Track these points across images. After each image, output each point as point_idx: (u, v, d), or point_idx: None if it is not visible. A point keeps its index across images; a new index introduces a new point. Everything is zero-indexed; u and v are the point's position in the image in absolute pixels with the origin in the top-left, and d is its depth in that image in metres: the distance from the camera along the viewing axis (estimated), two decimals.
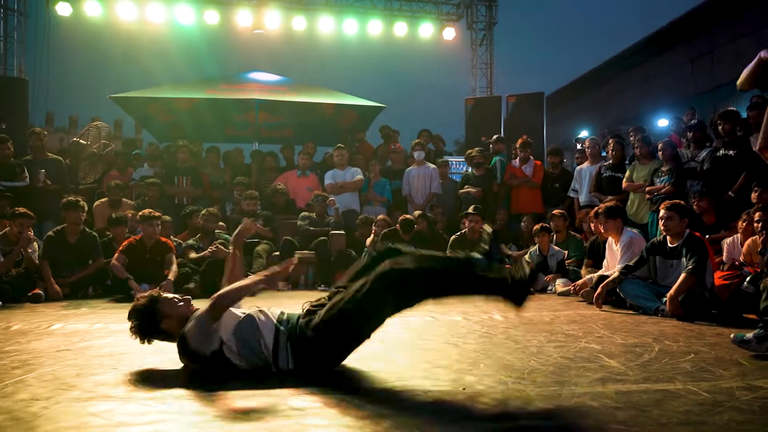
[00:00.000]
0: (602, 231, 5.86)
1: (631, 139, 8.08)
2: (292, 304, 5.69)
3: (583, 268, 6.41)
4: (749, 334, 3.06)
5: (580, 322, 4.31)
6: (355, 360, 2.91)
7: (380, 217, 7.85)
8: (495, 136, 9.62)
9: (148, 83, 11.75)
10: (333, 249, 7.56)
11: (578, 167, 8.33)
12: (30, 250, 6.14)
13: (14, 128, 9.19)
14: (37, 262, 6.17)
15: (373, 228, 7.64)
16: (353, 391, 2.37)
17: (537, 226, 7.00)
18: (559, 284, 6.40)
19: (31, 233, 6.22)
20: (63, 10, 11.37)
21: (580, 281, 5.94)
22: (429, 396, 2.28)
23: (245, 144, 12.13)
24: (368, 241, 7.59)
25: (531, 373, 2.66)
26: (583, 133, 23.20)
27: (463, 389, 2.37)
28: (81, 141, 9.25)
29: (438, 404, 2.19)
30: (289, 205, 8.89)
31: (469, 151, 9.27)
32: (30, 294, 5.83)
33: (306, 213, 8.28)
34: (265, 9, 12.02)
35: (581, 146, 8.84)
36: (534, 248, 7.03)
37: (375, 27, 12.61)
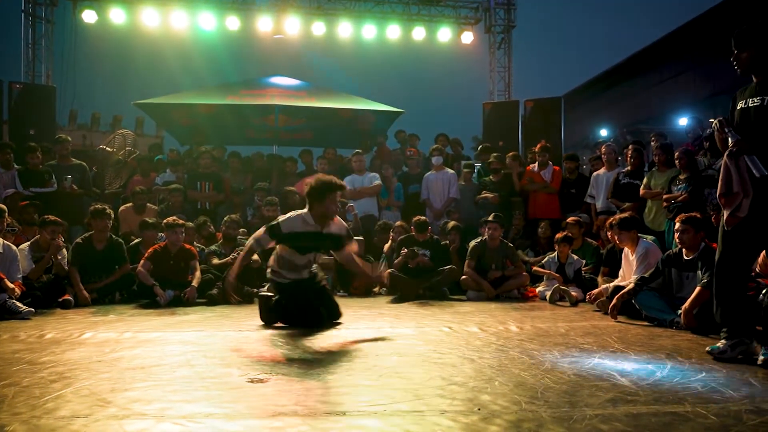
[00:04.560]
0: (617, 243, 5.92)
1: (652, 144, 8.08)
2: None
3: (600, 276, 6.46)
4: (720, 344, 3.36)
5: (594, 335, 4.38)
6: (371, 375, 3.03)
7: (398, 223, 7.95)
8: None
9: (170, 88, 12.00)
10: None
11: (595, 173, 8.36)
12: (59, 257, 6.35)
13: (41, 134, 9.46)
14: (66, 268, 6.38)
15: (391, 234, 7.75)
16: (370, 411, 2.48)
17: (559, 235, 7.04)
18: (573, 293, 6.45)
19: (62, 240, 6.44)
20: (89, 17, 11.64)
21: (595, 290, 6.00)
22: (445, 417, 2.38)
23: (264, 147, 12.31)
24: (386, 246, 7.70)
25: (544, 391, 2.75)
26: (602, 132, 23.09)
27: (478, 410, 2.47)
28: (107, 148, 9.49)
29: (453, 426, 2.29)
30: None
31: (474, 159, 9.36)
32: (60, 300, 6.04)
33: None
34: (286, 14, 12.19)
35: (598, 152, 8.86)
36: (552, 255, 7.09)
37: (393, 32, 12.71)
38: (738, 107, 3.56)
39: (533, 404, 2.55)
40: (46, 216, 6.55)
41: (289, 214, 4.90)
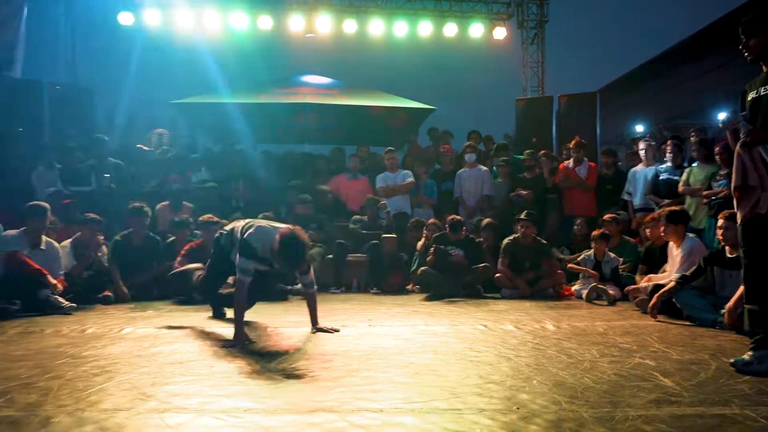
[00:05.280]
0: (662, 234, 5.76)
1: (691, 139, 7.89)
2: (345, 309, 5.88)
3: (638, 274, 6.32)
4: (746, 355, 3.11)
5: (634, 334, 4.29)
6: (407, 372, 3.02)
7: (431, 220, 7.92)
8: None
9: (203, 88, 12.14)
10: (385, 252, 7.66)
11: (632, 169, 8.19)
12: (99, 254, 6.49)
13: (81, 134, 9.67)
14: (105, 265, 6.52)
15: (424, 231, 7.72)
16: (407, 408, 2.47)
17: (596, 232, 6.91)
18: (611, 291, 6.33)
19: (101, 237, 6.59)
20: (125, 19, 11.87)
21: (633, 286, 5.88)
22: (483, 415, 2.35)
23: (295, 145, 12.39)
24: (419, 244, 7.67)
25: (584, 391, 2.70)
26: (638, 128, 22.64)
27: (517, 408, 2.44)
28: (144, 147, 9.67)
29: (492, 425, 2.26)
30: (341, 208, 9.06)
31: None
32: (100, 296, 6.17)
33: (358, 216, 8.42)
34: (317, 13, 12.24)
35: (636, 147, 8.68)
36: (589, 253, 6.96)
37: (425, 28, 12.66)
38: (749, 98, 3.43)
39: (573, 404, 2.51)
40: (86, 214, 6.72)
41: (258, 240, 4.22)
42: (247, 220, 4.56)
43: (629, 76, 24.57)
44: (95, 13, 12.09)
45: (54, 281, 5.55)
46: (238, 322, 4.03)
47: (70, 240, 6.52)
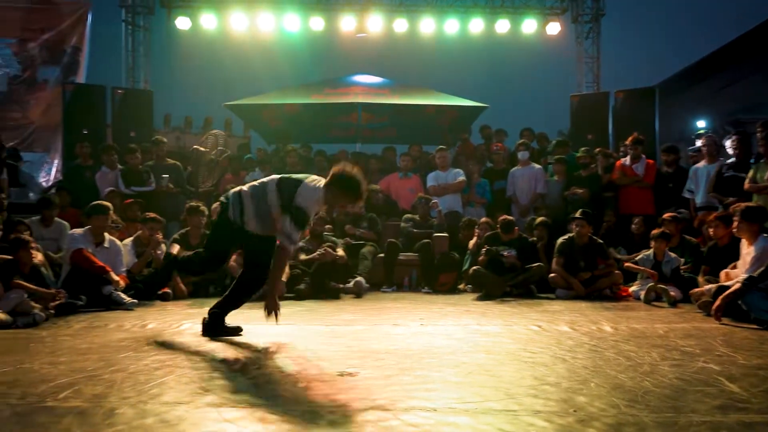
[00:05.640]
0: (733, 231, 5.51)
1: (758, 134, 7.53)
2: (396, 308, 5.88)
3: (700, 275, 6.08)
4: None
5: (697, 337, 4.12)
6: (460, 372, 2.99)
7: (483, 220, 7.85)
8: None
9: (256, 89, 12.41)
10: (436, 251, 7.63)
11: (694, 166, 7.89)
12: (159, 252, 6.70)
13: (140, 136, 10.03)
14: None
15: (476, 231, 7.65)
16: (461, 408, 2.44)
17: (656, 231, 6.69)
18: (671, 292, 6.11)
19: (161, 236, 6.81)
20: (182, 24, 12.23)
21: (697, 289, 5.66)
22: (539, 417, 2.31)
23: (348, 145, 12.50)
24: (471, 243, 7.61)
25: (645, 395, 2.61)
26: (700, 124, 21.78)
27: (574, 411, 2.38)
28: (200, 148, 9.94)
29: (548, 427, 2.21)
30: (392, 207, 9.08)
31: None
32: (160, 292, 6.37)
33: (409, 215, 8.42)
34: (368, 13, 12.29)
35: (701, 142, 8.36)
36: (648, 253, 6.74)
37: (477, 25, 12.53)
38: None
39: (633, 408, 2.43)
40: (146, 213, 6.96)
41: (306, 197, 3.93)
42: (250, 185, 4.20)
43: (690, 69, 23.65)
44: (154, 19, 12.50)
45: (116, 278, 5.77)
46: (272, 289, 3.99)
47: (131, 238, 6.76)
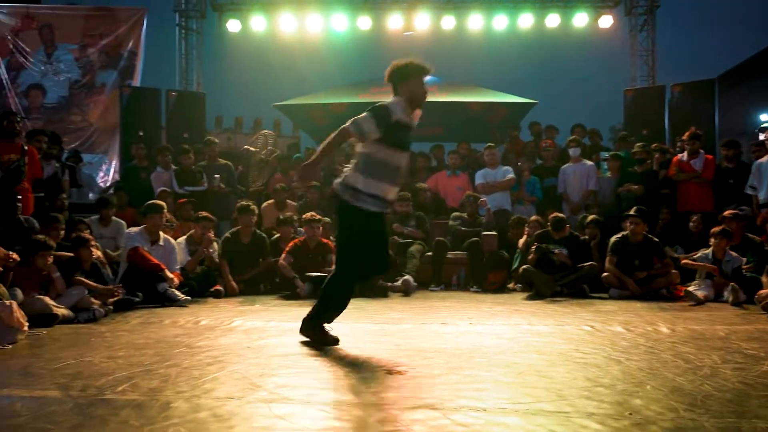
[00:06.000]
0: None
1: None
2: (445, 306, 5.85)
3: (764, 275, 5.81)
4: None
5: (761, 340, 3.94)
6: (510, 372, 2.94)
7: (533, 218, 7.72)
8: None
9: (304, 89, 12.55)
10: (485, 249, 7.54)
11: (757, 161, 7.55)
12: (211, 250, 6.85)
13: (193, 137, 10.28)
14: (216, 260, 6.87)
15: (526, 229, 7.53)
16: (511, 408, 2.40)
17: (716, 229, 6.42)
18: (728, 294, 5.86)
19: (212, 234, 6.96)
20: (233, 26, 12.48)
21: (762, 291, 5.41)
22: (593, 420, 2.24)
23: None
24: (521, 242, 7.49)
25: (705, 399, 2.51)
26: (763, 117, 20.84)
27: (630, 414, 2.30)
28: (251, 148, 10.12)
29: (602, 430, 2.15)
30: (440, 205, 9.03)
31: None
32: (212, 290, 6.52)
33: (457, 213, 8.36)
34: (416, 11, 12.26)
35: (764, 136, 8.00)
36: (707, 251, 6.48)
37: (526, 20, 12.32)
38: None
39: (692, 412, 2.34)
40: (198, 212, 7.13)
41: (388, 101, 3.70)
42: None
43: (753, 60, 22.66)
44: (206, 22, 12.80)
45: (171, 275, 5.93)
46: (316, 158, 3.68)
47: (184, 237, 6.94)
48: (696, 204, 7.79)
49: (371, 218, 3.66)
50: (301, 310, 4.49)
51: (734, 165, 7.89)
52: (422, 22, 12.37)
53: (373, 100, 11.24)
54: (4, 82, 11.96)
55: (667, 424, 2.20)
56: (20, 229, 5.72)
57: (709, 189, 7.88)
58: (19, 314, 3.89)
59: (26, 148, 6.44)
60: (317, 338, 3.74)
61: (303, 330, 3.82)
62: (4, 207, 5.78)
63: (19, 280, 4.81)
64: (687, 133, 8.13)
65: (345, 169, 3.77)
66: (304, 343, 3.77)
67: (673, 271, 6.58)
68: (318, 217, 7.07)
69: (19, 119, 6.74)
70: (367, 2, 12.53)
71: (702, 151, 8.05)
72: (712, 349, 3.61)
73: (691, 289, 6.22)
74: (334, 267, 6.61)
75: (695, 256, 6.61)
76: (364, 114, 3.58)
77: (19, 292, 4.65)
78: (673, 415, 2.29)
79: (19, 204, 5.93)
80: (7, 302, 3.93)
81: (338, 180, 3.74)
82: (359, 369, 3.08)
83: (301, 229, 7.31)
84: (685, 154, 8.08)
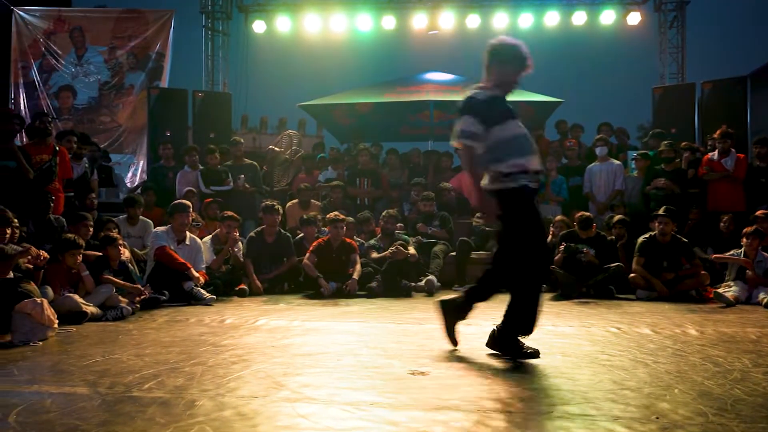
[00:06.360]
0: None
1: None
2: None
3: None
4: None
5: None
6: (534, 374, 2.92)
7: (558, 217, 7.64)
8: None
9: (328, 89, 12.59)
10: None
11: None
12: (236, 249, 6.91)
13: (219, 137, 10.39)
14: (241, 260, 6.93)
15: (551, 229, 7.45)
16: (535, 411, 2.38)
17: (748, 229, 6.28)
18: (763, 295, 5.72)
19: (237, 234, 7.02)
20: (258, 27, 12.59)
21: None
22: (618, 423, 2.21)
23: (420, 143, 12.46)
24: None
25: (735, 403, 2.46)
26: None
27: (656, 418, 2.26)
28: (275, 149, 10.20)
29: None
30: (464, 204, 8.98)
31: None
32: (237, 288, 6.58)
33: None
34: (440, 10, 12.22)
35: None
36: (738, 252, 6.34)
37: (552, 18, 12.19)
38: None
39: (722, 416, 2.29)
40: (224, 212, 7.20)
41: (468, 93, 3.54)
42: None
43: None
44: (232, 23, 12.93)
45: (197, 274, 5.99)
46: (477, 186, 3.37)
47: (210, 236, 7.01)
48: (727, 204, 7.63)
49: (534, 197, 3.45)
50: (325, 309, 4.52)
51: (766, 164, 7.71)
52: (447, 21, 12.33)
53: (398, 100, 11.31)
54: (37, 83, 12.24)
55: (696, 428, 2.16)
56: (50, 228, 5.84)
57: (741, 188, 7.71)
58: (49, 312, 3.97)
59: (57, 148, 6.57)
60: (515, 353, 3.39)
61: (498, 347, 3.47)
62: (37, 206, 5.90)
63: (49, 278, 4.92)
64: (718, 132, 7.96)
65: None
66: (328, 342, 3.78)
67: (703, 272, 6.45)
68: (342, 216, 7.08)
69: (50, 120, 6.87)
70: (391, 2, 12.53)
71: (733, 149, 7.88)
72: (743, 352, 3.53)
73: (720, 290, 6.10)
74: (357, 266, 6.64)
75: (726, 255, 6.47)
76: (458, 121, 3.36)
77: (49, 290, 4.76)
78: (702, 420, 2.25)
79: (52, 204, 6.05)
80: (38, 300, 4.02)
81: (486, 186, 3.44)
82: (382, 369, 3.08)
83: (325, 228, 7.34)
84: (716, 152, 7.92)
